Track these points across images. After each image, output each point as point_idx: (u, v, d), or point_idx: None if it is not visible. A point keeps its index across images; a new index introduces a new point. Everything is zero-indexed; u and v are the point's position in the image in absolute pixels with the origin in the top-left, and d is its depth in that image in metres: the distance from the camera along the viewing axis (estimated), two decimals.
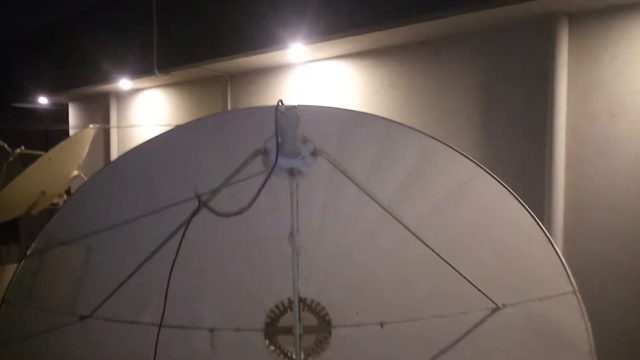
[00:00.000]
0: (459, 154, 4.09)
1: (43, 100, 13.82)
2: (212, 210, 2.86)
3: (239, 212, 2.86)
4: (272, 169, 2.91)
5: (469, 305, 3.85)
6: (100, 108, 12.56)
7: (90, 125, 8.94)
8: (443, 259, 3.68)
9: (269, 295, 3.96)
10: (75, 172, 8.84)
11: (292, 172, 2.99)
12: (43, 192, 8.14)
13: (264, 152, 3.14)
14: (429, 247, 3.65)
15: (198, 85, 10.42)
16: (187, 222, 2.85)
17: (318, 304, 3.95)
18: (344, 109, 4.50)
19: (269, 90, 9.06)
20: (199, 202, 2.80)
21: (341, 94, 7.91)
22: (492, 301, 3.75)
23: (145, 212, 3.67)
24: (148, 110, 11.59)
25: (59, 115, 14.77)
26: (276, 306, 3.96)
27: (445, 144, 4.14)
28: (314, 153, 3.22)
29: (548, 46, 6.10)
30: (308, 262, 3.72)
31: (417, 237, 3.44)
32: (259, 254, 3.86)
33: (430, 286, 3.92)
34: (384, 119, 4.23)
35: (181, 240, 2.87)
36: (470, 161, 4.01)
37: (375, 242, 3.94)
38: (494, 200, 4.04)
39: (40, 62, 13.21)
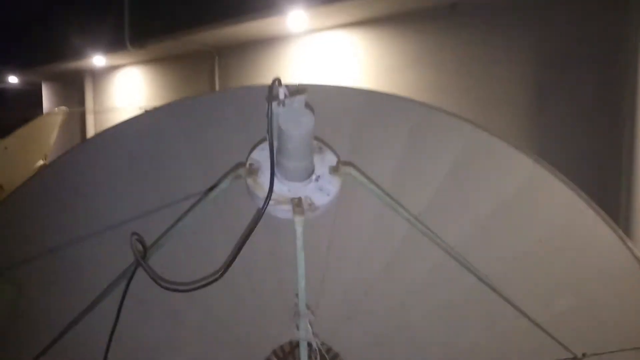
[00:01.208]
0: (519, 153, 3.08)
1: (13, 80, 12.68)
2: (155, 280, 1.69)
3: (198, 286, 1.68)
4: (263, 209, 1.74)
5: (533, 356, 2.84)
6: (75, 88, 11.37)
7: (56, 109, 7.83)
8: (503, 296, 2.64)
9: (265, 340, 2.95)
10: (41, 162, 7.78)
11: (298, 205, 1.85)
12: (1, 186, 7.06)
13: (249, 173, 1.89)
14: (483, 280, 2.61)
15: (182, 62, 9.24)
16: (126, 286, 1.79)
17: (330, 349, 2.94)
18: (362, 90, 3.48)
19: (264, 66, 7.83)
20: (137, 260, 1.73)
21: (349, 72, 6.69)
22: (570, 350, 2.71)
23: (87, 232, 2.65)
24: (127, 90, 10.43)
25: (36, 97, 13.60)
26: (274, 353, 2.95)
27: (500, 138, 3.13)
28: (335, 169, 1.98)
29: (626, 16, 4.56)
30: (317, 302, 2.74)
31: (468, 266, 2.40)
32: (252, 294, 2.85)
33: (480, 330, 2.91)
34: (420, 103, 3.20)
35: (121, 305, 1.82)
36: (535, 163, 3.00)
37: (405, 275, 2.94)
38: (564, 214, 3.03)
39: (8, 39, 11.97)
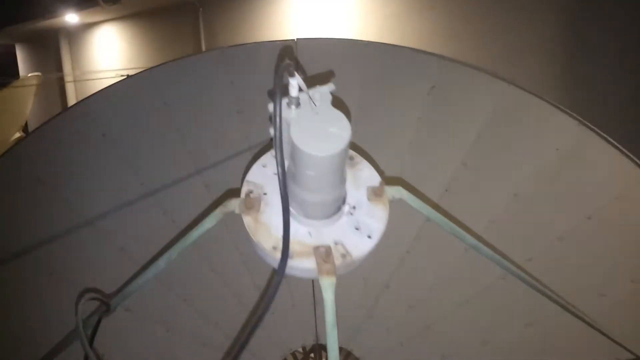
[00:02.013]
0: (561, 113, 2.61)
1: None
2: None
3: None
4: (280, 275, 1.13)
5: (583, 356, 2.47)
6: (50, 50, 10.57)
7: (30, 75, 7.18)
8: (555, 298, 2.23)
9: (275, 346, 2.56)
10: (17, 135, 7.22)
11: (326, 260, 1.20)
12: None
13: (247, 207, 1.26)
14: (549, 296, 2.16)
15: (162, 18, 8.48)
16: (91, 337, 1.33)
17: (349, 354, 2.57)
18: (372, 43, 2.93)
19: (256, 20, 7.14)
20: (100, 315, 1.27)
21: (347, 23, 6.02)
22: (629, 350, 2.34)
23: None
24: (105, 51, 9.67)
25: (10, 61, 12.75)
26: None
27: (538, 96, 2.65)
28: (378, 193, 1.34)
29: None
30: None
31: (536, 285, 1.91)
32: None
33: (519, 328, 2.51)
34: (440, 57, 2.69)
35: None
36: (580, 124, 2.54)
37: (430, 267, 2.53)
38: (618, 184, 2.59)
39: None
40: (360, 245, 1.25)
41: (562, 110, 2.67)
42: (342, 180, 1.25)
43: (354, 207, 1.29)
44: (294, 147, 1.10)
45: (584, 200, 2.56)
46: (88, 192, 2.31)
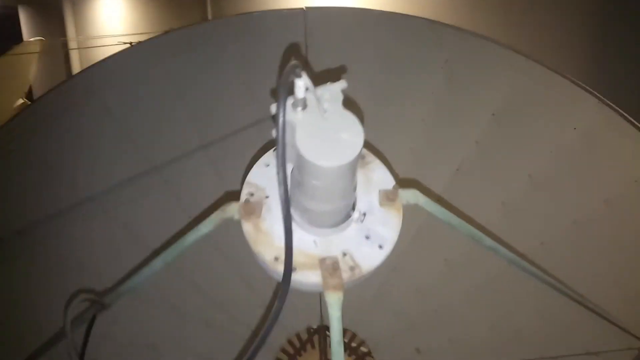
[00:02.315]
0: (582, 91, 2.48)
1: None
2: None
3: None
4: (285, 292, 1.03)
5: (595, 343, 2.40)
6: (54, 13, 10.34)
7: (32, 39, 7.03)
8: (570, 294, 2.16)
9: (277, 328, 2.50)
10: (21, 101, 7.12)
11: (333, 274, 1.10)
12: None
13: (246, 212, 1.16)
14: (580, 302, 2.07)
15: None
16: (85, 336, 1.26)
17: (354, 335, 2.53)
18: (382, 11, 2.79)
19: None
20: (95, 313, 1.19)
21: None
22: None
23: None
24: (110, 15, 9.46)
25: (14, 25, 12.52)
26: (289, 341, 2.53)
27: (559, 73, 2.52)
28: (391, 197, 1.22)
29: None
30: None
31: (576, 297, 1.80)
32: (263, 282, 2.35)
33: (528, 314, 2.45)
34: (457, 29, 2.55)
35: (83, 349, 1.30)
36: (600, 102, 2.41)
37: (439, 250, 2.45)
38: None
39: None
40: (370, 257, 1.14)
41: (583, 88, 2.53)
42: (353, 189, 1.13)
43: (364, 214, 1.17)
44: (299, 154, 0.98)
45: (602, 183, 2.45)
46: (88, 168, 2.22)
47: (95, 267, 2.15)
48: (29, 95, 7.44)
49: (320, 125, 0.99)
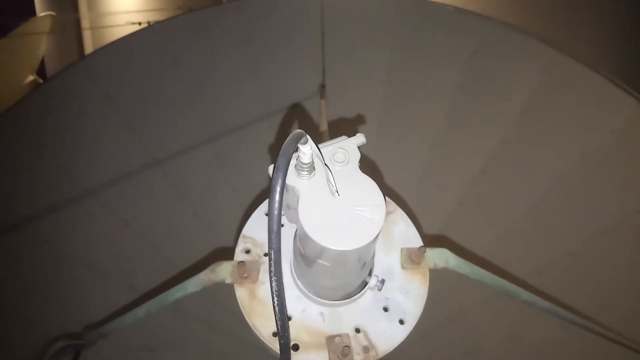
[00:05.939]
0: (617, 88, 2.31)
1: None
2: None
3: None
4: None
5: None
6: None
7: (43, 14, 6.91)
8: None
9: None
10: (31, 78, 7.02)
11: (344, 354, 0.88)
12: None
13: (240, 275, 0.96)
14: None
15: None
16: None
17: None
18: None
19: None
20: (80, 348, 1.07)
21: None
22: None
23: None
24: None
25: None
26: None
27: (591, 67, 2.34)
28: (416, 259, 0.98)
29: None
30: None
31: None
32: None
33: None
34: (484, 18, 2.38)
35: None
36: (638, 102, 2.24)
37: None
38: None
39: None
40: (389, 334, 0.92)
41: (618, 86, 2.36)
42: (370, 260, 0.91)
43: (382, 281, 0.94)
44: (303, 234, 0.77)
45: (635, 190, 2.29)
46: (88, 159, 2.10)
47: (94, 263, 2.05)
48: (38, 71, 7.34)
49: (331, 198, 0.78)
